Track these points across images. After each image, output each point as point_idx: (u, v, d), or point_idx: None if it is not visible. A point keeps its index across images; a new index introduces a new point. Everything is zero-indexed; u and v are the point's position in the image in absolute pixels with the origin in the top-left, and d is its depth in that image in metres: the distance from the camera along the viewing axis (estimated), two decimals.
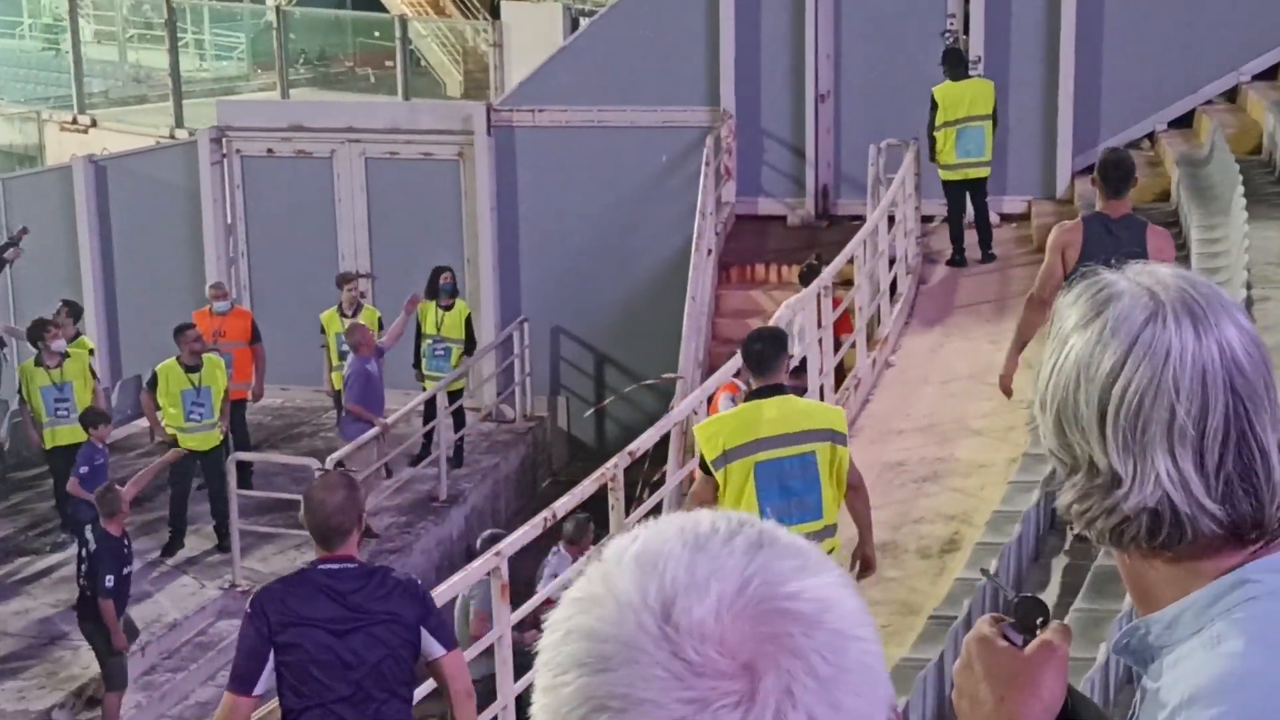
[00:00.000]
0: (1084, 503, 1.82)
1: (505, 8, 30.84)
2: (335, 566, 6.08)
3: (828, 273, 13.24)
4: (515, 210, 18.97)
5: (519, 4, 32.46)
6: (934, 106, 15.61)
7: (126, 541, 12.25)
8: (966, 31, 18.00)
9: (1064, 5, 17.55)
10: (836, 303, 13.30)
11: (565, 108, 18.73)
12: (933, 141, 15.69)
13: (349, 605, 6.04)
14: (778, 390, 7.77)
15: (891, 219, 15.31)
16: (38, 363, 15.09)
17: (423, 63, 32.70)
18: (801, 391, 9.08)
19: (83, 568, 12.14)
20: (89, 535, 12.11)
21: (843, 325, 13.67)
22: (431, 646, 6.11)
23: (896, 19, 18.00)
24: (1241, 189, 13.29)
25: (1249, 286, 11.10)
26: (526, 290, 19.06)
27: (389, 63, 29.94)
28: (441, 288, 16.72)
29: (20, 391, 15.42)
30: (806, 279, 13.88)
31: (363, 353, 15.37)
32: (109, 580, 11.92)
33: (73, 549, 13.34)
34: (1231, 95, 17.86)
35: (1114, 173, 8.61)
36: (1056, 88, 17.78)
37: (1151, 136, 17.67)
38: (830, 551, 7.63)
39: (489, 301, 18.98)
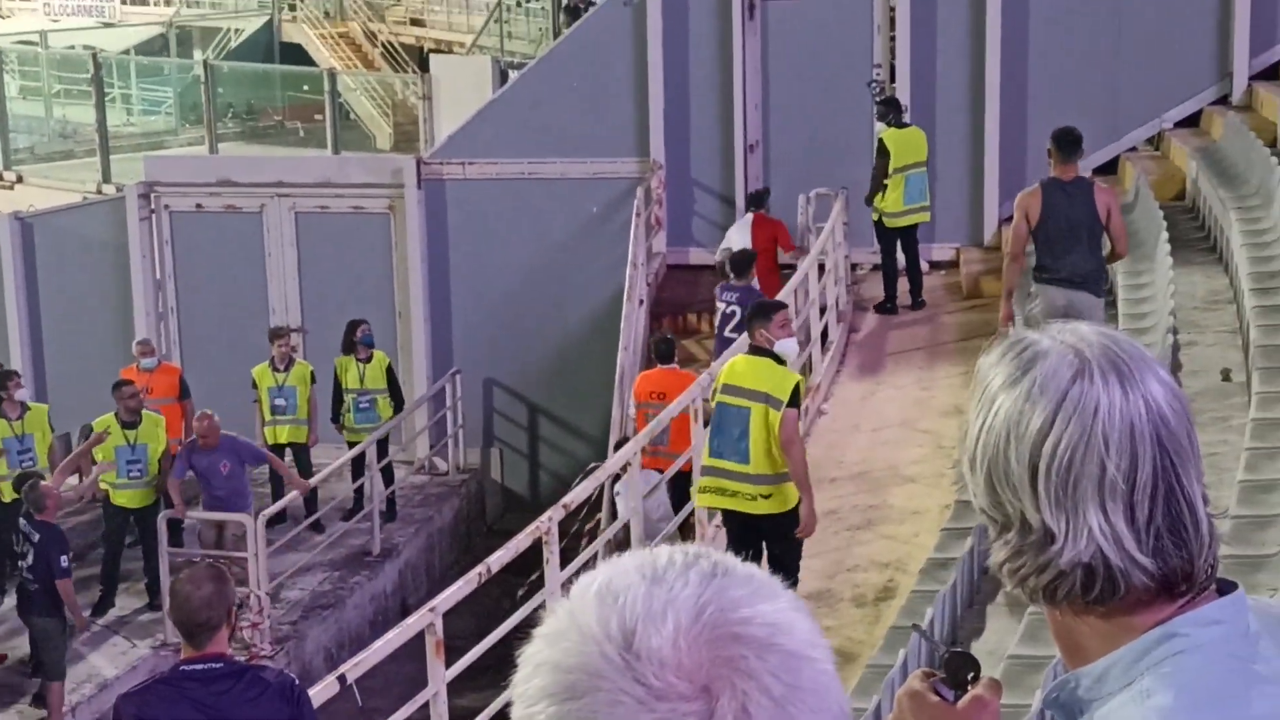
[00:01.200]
0: (1017, 560, 1.83)
1: (434, 60, 30.89)
2: (201, 667, 5.80)
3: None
4: (446, 262, 18.95)
5: (448, 57, 32.53)
6: (884, 153, 15.75)
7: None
8: (893, 80, 18.16)
9: (989, 54, 17.73)
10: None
11: (495, 160, 18.76)
12: (881, 187, 15.79)
13: (212, 711, 5.76)
14: (756, 350, 9.48)
15: (821, 267, 15.39)
16: None
17: (352, 116, 32.69)
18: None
19: (23, 564, 12.24)
20: (27, 529, 12.19)
21: None
22: None
23: (824, 69, 18.15)
24: (1166, 235, 13.44)
25: (1175, 332, 11.21)
26: (458, 342, 19.03)
27: (318, 116, 29.90)
28: (359, 341, 16.68)
29: None
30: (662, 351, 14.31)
31: (205, 444, 14.69)
32: (64, 560, 12.09)
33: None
34: (1155, 142, 18.09)
35: (1065, 143, 10.45)
36: (983, 136, 17.95)
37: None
38: (765, 499, 9.26)
39: (421, 353, 18.93)
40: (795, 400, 9.41)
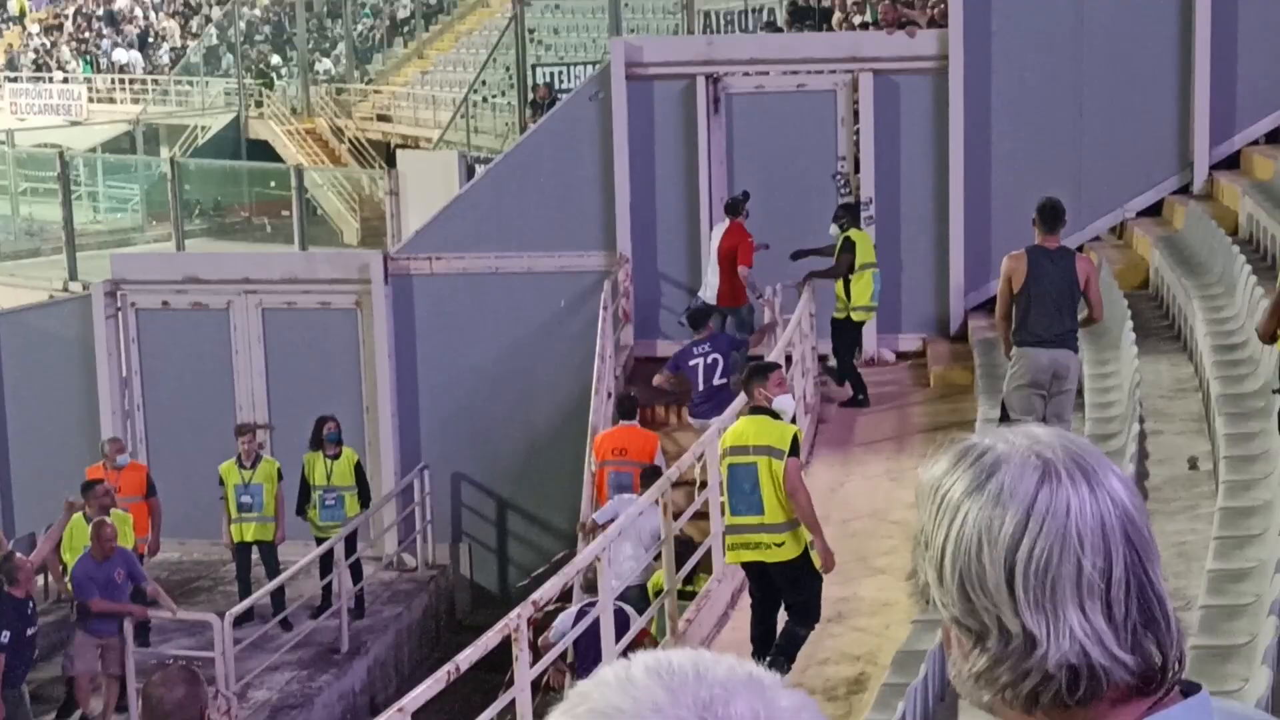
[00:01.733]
0: (997, 669, 1.82)
1: (401, 156, 31.02)
2: None
3: (728, 413, 13.28)
4: (414, 357, 18.94)
5: (414, 152, 32.67)
6: (852, 248, 16.03)
7: (32, 605, 12.26)
8: (857, 172, 18.29)
9: (952, 144, 17.88)
10: None
11: (462, 255, 18.79)
12: (846, 283, 16.03)
13: None
14: (756, 410, 10.16)
15: (789, 358, 15.41)
16: None
17: (319, 211, 32.78)
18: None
19: None
20: None
21: None
22: None
23: (788, 162, 18.26)
24: (1130, 324, 13.52)
25: (1142, 420, 11.25)
26: (426, 437, 18.98)
27: (285, 212, 29.98)
28: (327, 437, 16.63)
29: None
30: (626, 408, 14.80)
31: (99, 551, 13.96)
32: (3, 636, 11.92)
33: None
34: (1118, 231, 18.24)
35: (1049, 214, 10.97)
36: (947, 227, 18.07)
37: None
38: (779, 546, 9.97)
39: (388, 448, 18.87)
40: (795, 449, 10.08)
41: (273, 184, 32.17)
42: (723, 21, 28.79)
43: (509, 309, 18.73)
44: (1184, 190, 18.03)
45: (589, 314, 18.01)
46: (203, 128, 40.39)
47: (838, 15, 22.38)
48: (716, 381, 15.17)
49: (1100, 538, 1.78)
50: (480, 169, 24.03)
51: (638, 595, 12.39)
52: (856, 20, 21.66)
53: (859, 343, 16.78)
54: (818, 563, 10.16)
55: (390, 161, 32.20)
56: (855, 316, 16.27)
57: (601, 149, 18.56)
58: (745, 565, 10.39)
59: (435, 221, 19.37)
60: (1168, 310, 15.20)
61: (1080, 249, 18.01)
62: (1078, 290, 10.93)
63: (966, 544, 1.81)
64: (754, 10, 28.01)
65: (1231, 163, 18.03)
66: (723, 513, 10.62)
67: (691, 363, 15.17)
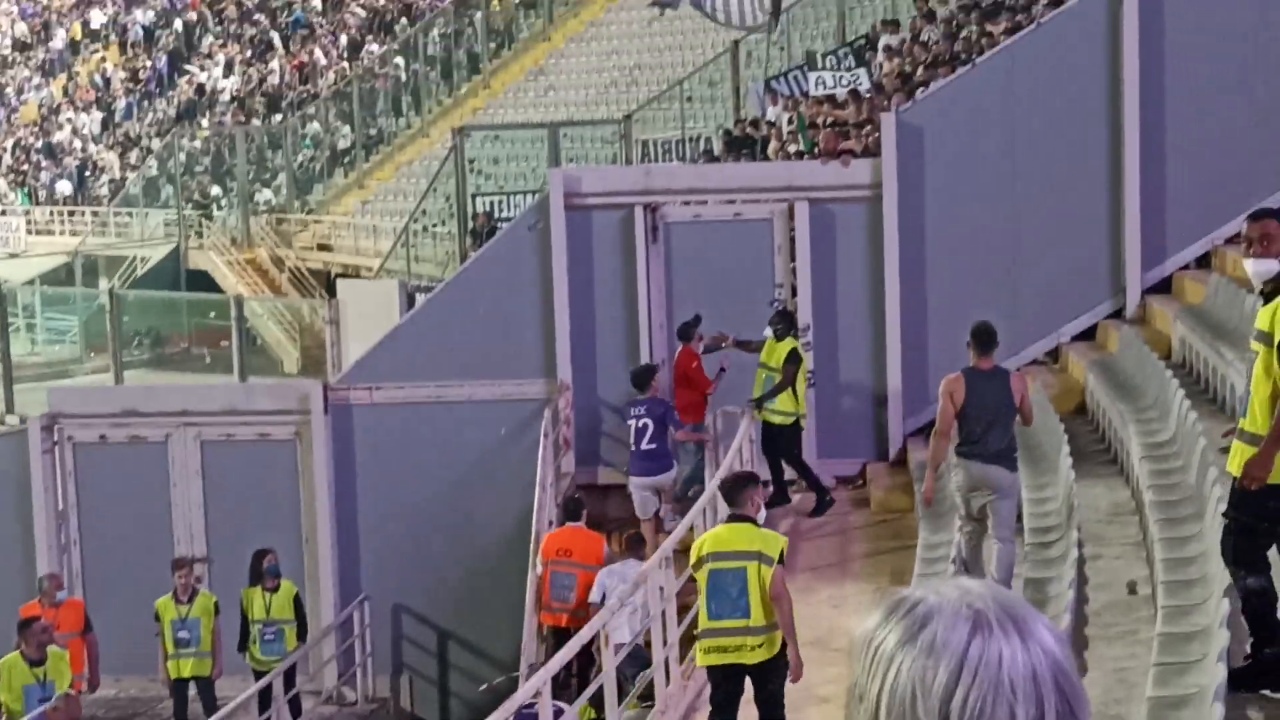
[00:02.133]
0: None
1: (341, 285, 31.09)
2: None
3: (668, 543, 13.29)
4: (354, 487, 18.85)
5: (355, 281, 32.73)
6: (797, 359, 16.56)
7: None
8: (795, 298, 18.42)
9: (887, 271, 18.05)
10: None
11: (402, 384, 18.78)
12: (790, 389, 16.51)
13: None
14: (738, 518, 10.47)
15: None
16: None
17: (259, 341, 32.71)
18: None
19: None
20: None
21: (687, 589, 13.72)
22: None
23: (726, 288, 18.37)
24: (1067, 448, 13.61)
25: (1080, 545, 11.30)
26: (366, 568, 18.85)
27: (225, 342, 29.91)
28: (266, 570, 16.51)
29: None
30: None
31: None
32: None
33: None
34: (1054, 355, 18.40)
35: (982, 337, 11.76)
36: (885, 352, 18.19)
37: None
38: (759, 647, 10.38)
39: (328, 580, 18.72)
40: (782, 558, 10.52)
41: (212, 314, 32.12)
42: (660, 150, 29.08)
43: (449, 438, 18.70)
44: (1118, 314, 18.25)
45: (530, 442, 18.00)
46: (142, 258, 40.36)
47: (774, 144, 22.62)
48: (645, 446, 16.39)
49: (1032, 686, 1.80)
50: (420, 298, 24.09)
51: None
52: (792, 149, 21.90)
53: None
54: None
55: (331, 290, 32.25)
56: (801, 422, 16.77)
57: (541, 277, 18.64)
58: (717, 669, 10.61)
59: (375, 351, 19.37)
60: (1104, 434, 15.31)
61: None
62: (1013, 408, 11.56)
63: (901, 695, 1.83)
64: (691, 139, 28.31)
65: (1164, 287, 18.27)
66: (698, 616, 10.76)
67: (628, 421, 16.47)
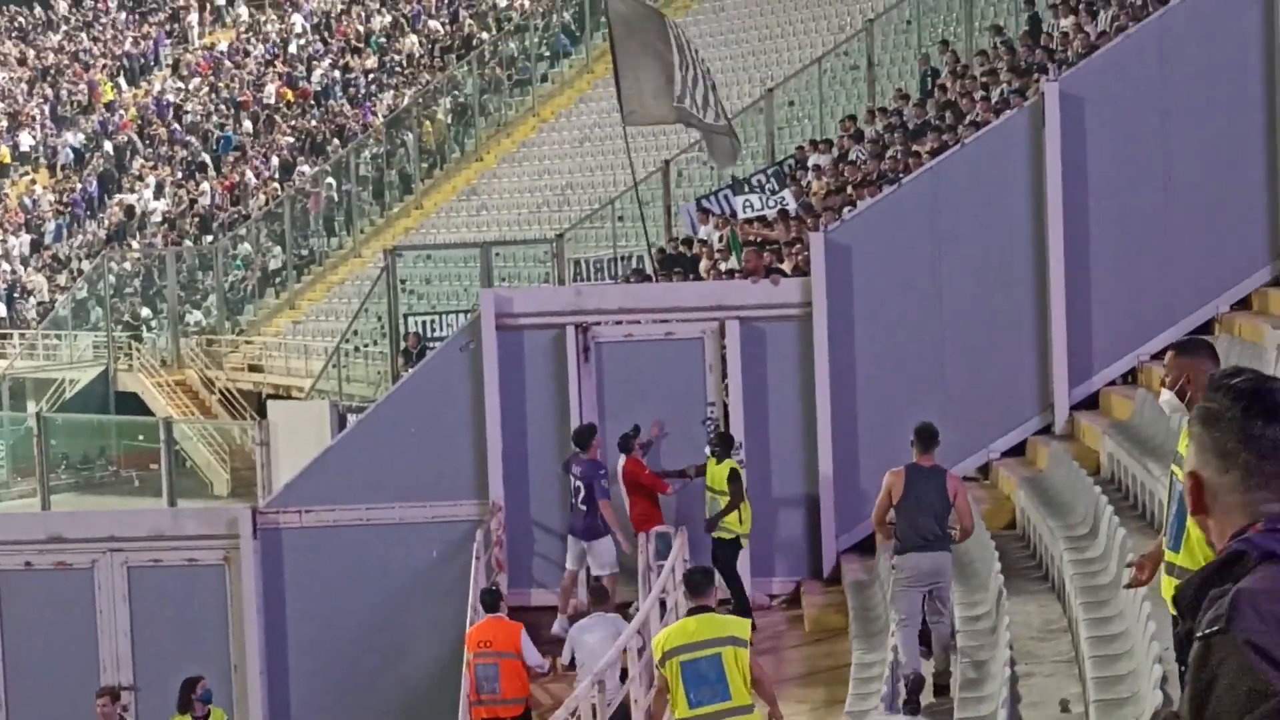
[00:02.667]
0: None
1: (272, 406, 30.94)
2: None
3: (601, 665, 13.18)
4: (283, 612, 18.63)
5: (286, 402, 32.59)
6: (738, 479, 16.86)
7: None
8: (727, 417, 18.45)
9: (818, 388, 18.11)
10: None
11: (333, 507, 18.64)
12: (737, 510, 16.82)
13: None
14: (703, 609, 11.00)
15: (663, 604, 15.36)
16: None
17: (189, 463, 32.46)
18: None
19: None
20: None
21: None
22: None
23: (659, 408, 18.37)
24: (999, 565, 13.64)
25: (1013, 664, 11.28)
26: (296, 695, 18.59)
27: (154, 464, 29.66)
28: (200, 697, 16.24)
29: None
30: None
31: None
32: None
33: None
34: (985, 471, 18.49)
35: (925, 436, 12.90)
36: (817, 471, 18.21)
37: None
38: None
39: (257, 708, 18.43)
40: (749, 640, 11.15)
41: (141, 437, 31.89)
42: (592, 269, 29.19)
43: (381, 561, 18.55)
44: (1046, 430, 18.37)
45: (462, 564, 17.87)
46: (70, 381, 40.07)
47: (705, 263, 22.76)
48: (580, 505, 17.34)
49: None
50: (352, 418, 23.99)
51: None
52: (724, 266, 22.03)
53: None
54: None
55: (261, 412, 32.07)
56: (742, 541, 16.97)
57: (473, 398, 18.60)
58: None
59: (306, 473, 19.23)
60: (1035, 550, 15.36)
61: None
62: (948, 503, 12.59)
63: None
64: (623, 258, 28.45)
65: (1091, 403, 18.43)
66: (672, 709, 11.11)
67: (569, 476, 17.34)
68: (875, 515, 12.97)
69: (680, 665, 10.78)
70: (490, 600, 15.44)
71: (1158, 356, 18.36)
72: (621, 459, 17.59)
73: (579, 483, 17.31)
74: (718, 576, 14.14)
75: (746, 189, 23.83)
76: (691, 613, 11.12)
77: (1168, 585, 8.05)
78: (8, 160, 55.91)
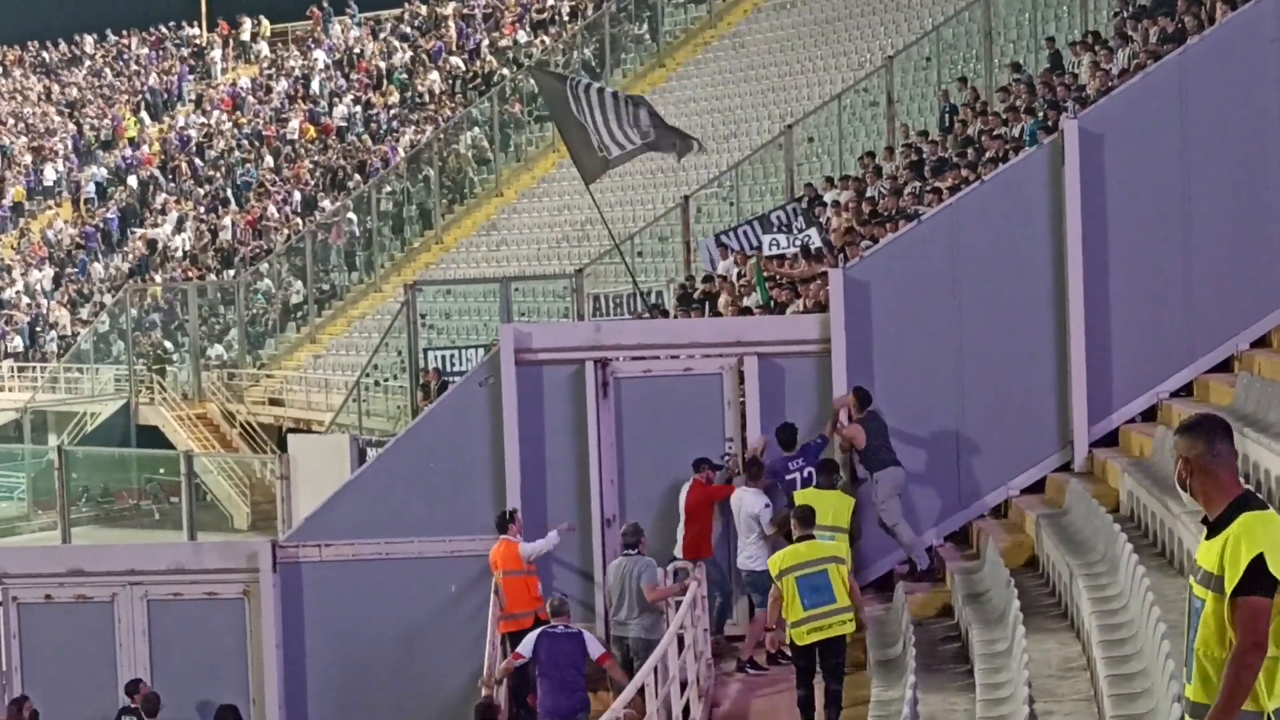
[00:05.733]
0: None
1: (292, 440, 30.99)
2: None
3: (618, 703, 13.17)
4: (303, 646, 18.65)
5: (306, 436, 32.66)
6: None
7: None
8: (745, 453, 18.42)
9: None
10: None
11: (352, 541, 18.67)
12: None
13: None
14: (808, 537, 14.35)
15: (681, 641, 15.35)
16: None
17: (209, 496, 32.54)
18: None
19: None
20: None
21: None
22: None
23: (678, 443, 18.35)
24: (1018, 603, 13.61)
25: (1032, 701, 11.26)
26: None
27: (174, 498, 29.74)
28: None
29: None
30: None
31: None
32: None
33: None
34: (1003, 509, 18.45)
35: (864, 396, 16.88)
36: None
37: (931, 550, 18.09)
38: (847, 622, 14.11)
39: None
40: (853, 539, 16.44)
41: (162, 470, 31.96)
42: (612, 305, 29.24)
43: (400, 596, 18.57)
44: (1065, 468, 18.34)
45: (480, 598, 17.89)
46: (92, 414, 40.20)
47: (724, 298, 22.79)
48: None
49: None
50: (372, 452, 24.03)
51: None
52: (745, 302, 22.07)
53: None
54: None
55: (282, 445, 32.15)
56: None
57: (492, 433, 18.63)
58: (811, 645, 14.00)
59: (325, 507, 19.27)
60: (1054, 588, 15.32)
61: (966, 531, 18.31)
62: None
63: None
64: (643, 294, 28.52)
65: (1111, 440, 18.40)
66: (785, 614, 14.05)
67: (789, 477, 17.78)
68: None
69: (796, 580, 13.88)
70: (501, 521, 17.51)
71: (1177, 394, 18.36)
72: (689, 481, 17.82)
73: (809, 469, 17.58)
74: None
75: (775, 228, 23.82)
76: (801, 539, 14.21)
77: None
78: (22, 199, 56.25)
